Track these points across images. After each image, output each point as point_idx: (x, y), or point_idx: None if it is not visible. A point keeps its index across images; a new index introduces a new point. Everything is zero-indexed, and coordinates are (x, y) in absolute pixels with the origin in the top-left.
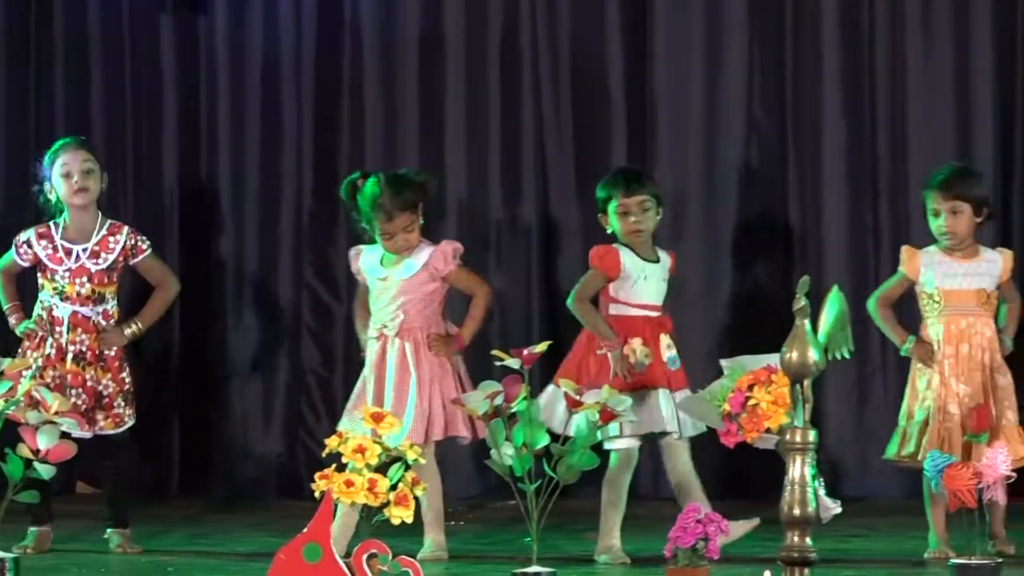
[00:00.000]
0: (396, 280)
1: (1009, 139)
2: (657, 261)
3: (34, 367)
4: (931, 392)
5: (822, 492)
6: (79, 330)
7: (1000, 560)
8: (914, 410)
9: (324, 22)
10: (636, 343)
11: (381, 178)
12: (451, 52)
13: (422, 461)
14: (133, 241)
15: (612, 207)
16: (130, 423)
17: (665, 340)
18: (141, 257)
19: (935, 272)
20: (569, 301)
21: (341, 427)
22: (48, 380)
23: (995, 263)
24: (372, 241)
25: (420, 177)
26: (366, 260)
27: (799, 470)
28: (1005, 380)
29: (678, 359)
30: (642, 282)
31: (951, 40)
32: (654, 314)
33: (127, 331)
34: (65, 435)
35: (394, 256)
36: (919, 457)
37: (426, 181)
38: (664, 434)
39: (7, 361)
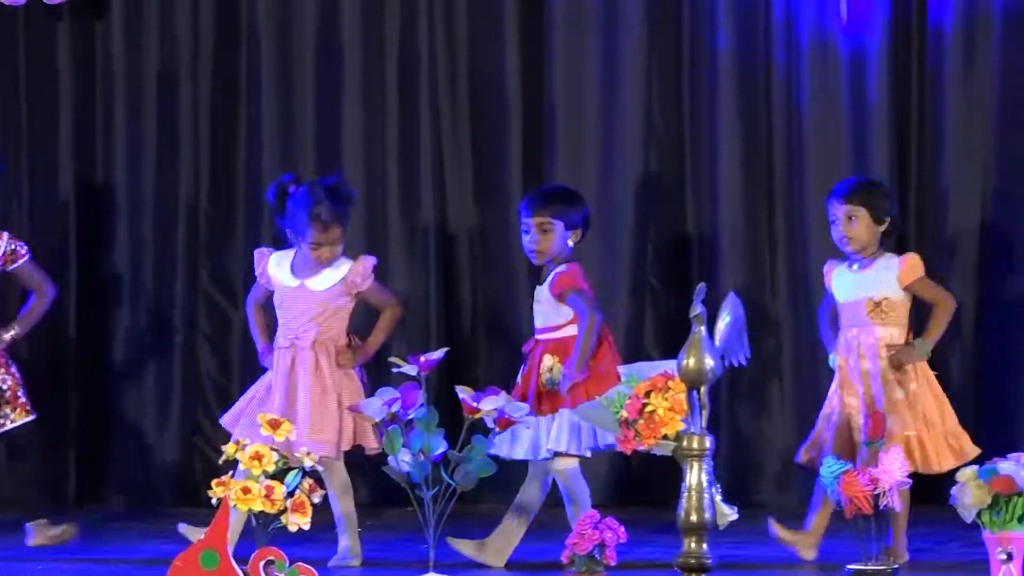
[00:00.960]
0: (311, 291)
1: (905, 149)
2: (542, 283)
3: None
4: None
5: (719, 498)
6: None
7: (896, 566)
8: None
9: (221, 27)
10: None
11: (319, 188)
12: (348, 58)
13: (319, 468)
14: (12, 247)
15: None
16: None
17: (547, 363)
18: (19, 263)
19: (835, 284)
20: None
21: (237, 434)
22: None
23: (889, 269)
24: (283, 245)
25: (351, 191)
26: (275, 265)
27: (696, 476)
28: (900, 394)
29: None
30: (534, 303)
31: (847, 49)
32: (542, 336)
33: (6, 335)
34: None
35: (308, 265)
36: None
37: (353, 195)
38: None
39: None
